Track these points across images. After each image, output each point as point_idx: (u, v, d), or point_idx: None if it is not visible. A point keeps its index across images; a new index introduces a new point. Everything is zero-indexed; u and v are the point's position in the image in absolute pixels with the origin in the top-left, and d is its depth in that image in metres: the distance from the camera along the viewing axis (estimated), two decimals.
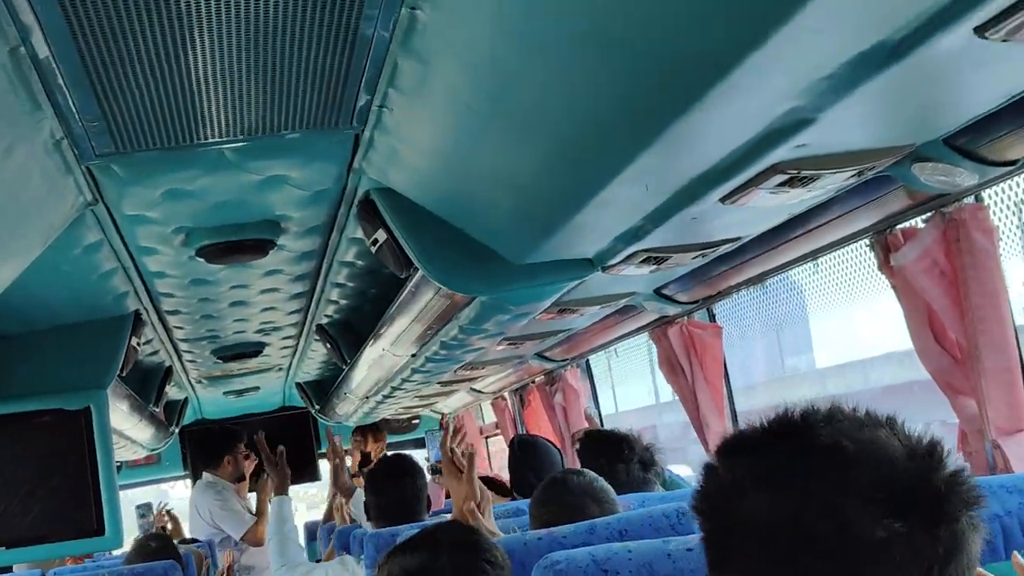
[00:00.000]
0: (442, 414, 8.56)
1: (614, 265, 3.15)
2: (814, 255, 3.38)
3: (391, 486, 4.54)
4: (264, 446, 6.00)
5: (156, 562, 4.31)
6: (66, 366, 4.13)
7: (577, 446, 4.41)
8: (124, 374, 4.56)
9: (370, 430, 8.48)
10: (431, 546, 2.47)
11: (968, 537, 1.07)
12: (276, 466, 5.76)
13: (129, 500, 10.07)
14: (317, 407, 8.14)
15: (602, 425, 6.42)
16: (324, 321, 5.31)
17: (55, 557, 5.27)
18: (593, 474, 3.33)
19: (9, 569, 5.59)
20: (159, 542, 5.28)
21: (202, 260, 3.49)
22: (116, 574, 4.16)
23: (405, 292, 3.88)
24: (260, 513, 7.91)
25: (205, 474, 8.11)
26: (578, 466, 4.14)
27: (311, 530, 8.04)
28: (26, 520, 3.85)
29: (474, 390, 7.59)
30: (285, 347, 6.13)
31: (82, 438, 3.89)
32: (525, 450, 5.49)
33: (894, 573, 1.03)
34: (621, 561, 1.90)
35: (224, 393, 7.81)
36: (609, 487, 3.29)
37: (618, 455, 4.00)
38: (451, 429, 4.46)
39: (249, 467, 8.08)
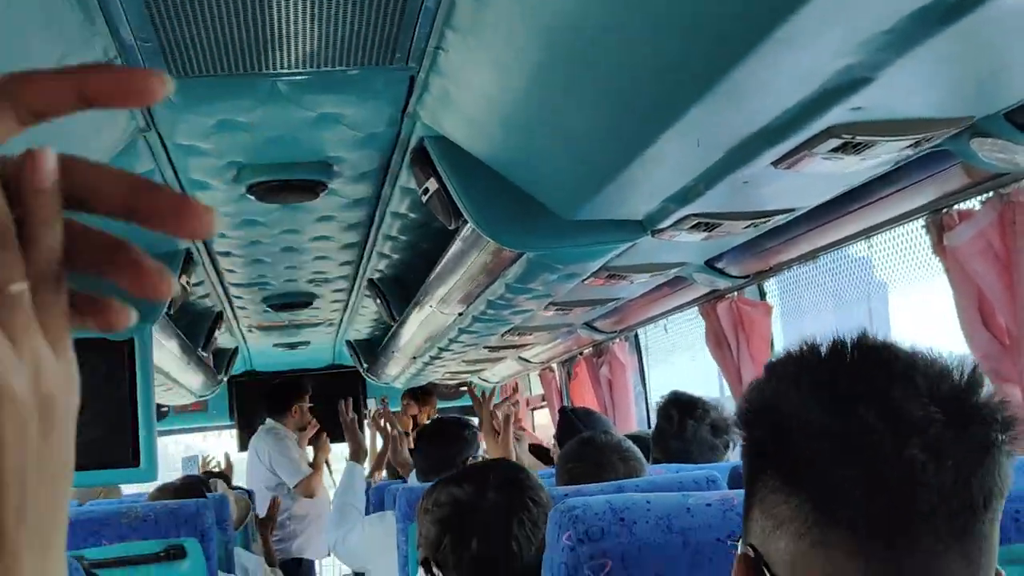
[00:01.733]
0: (469, 384, 8.56)
1: (664, 229, 3.11)
2: (868, 232, 3.32)
3: (439, 446, 4.55)
4: (344, 412, 6.00)
5: (189, 500, 4.31)
6: (116, 297, 4.15)
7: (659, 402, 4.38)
8: (172, 312, 4.59)
9: (420, 393, 8.50)
10: (480, 480, 2.48)
11: (1002, 451, 1.07)
12: (351, 431, 5.77)
13: (170, 446, 10.18)
14: (366, 366, 8.16)
15: (648, 403, 6.40)
16: (375, 275, 5.32)
17: (90, 486, 5.31)
18: (622, 436, 3.33)
19: None
20: (186, 481, 5.31)
21: (253, 198, 3.49)
22: (149, 508, 4.16)
23: (454, 246, 3.87)
24: (316, 467, 8.01)
25: (268, 420, 8.19)
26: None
27: None
28: None
29: (522, 359, 7.57)
30: (336, 300, 6.14)
31: (123, 370, 3.89)
32: (575, 418, 5.48)
33: (930, 455, 1.03)
34: (639, 511, 1.87)
35: (274, 345, 7.85)
36: (636, 449, 3.28)
37: (691, 412, 3.98)
38: (490, 393, 4.46)
39: (310, 430, 8.11)
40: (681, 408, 4.03)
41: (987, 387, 1.09)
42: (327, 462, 8.58)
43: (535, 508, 2.42)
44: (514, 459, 3.61)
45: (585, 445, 3.33)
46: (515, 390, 6.54)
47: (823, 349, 1.14)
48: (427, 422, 7.59)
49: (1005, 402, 1.09)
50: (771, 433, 1.14)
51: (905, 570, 1.04)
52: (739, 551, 1.17)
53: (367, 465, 6.33)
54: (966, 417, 1.06)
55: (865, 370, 1.09)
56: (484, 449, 5.05)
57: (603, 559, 1.85)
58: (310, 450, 8.18)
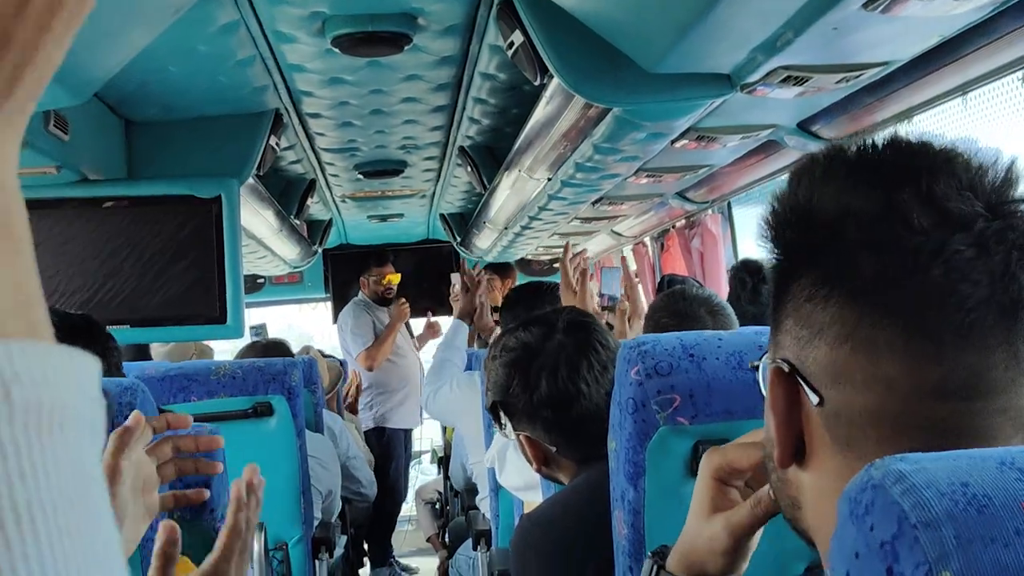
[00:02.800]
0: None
1: (753, 84, 3.04)
2: (964, 88, 3.22)
3: (526, 309, 4.57)
4: (466, 270, 6.06)
5: (277, 359, 4.37)
6: (203, 155, 4.19)
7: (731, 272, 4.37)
8: (262, 172, 4.61)
9: (500, 267, 8.52)
10: (548, 323, 2.49)
11: None
12: (473, 291, 5.81)
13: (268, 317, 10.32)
14: (459, 239, 8.18)
15: None
16: (466, 143, 5.29)
17: (178, 340, 5.41)
18: (713, 291, 3.30)
19: (147, 354, 5.76)
20: (273, 341, 5.38)
21: (338, 51, 3.47)
22: (238, 365, 4.22)
23: (540, 106, 3.83)
24: (380, 338, 8.05)
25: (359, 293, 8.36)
26: None
27: None
28: (153, 302, 3.93)
29: (615, 232, 7.54)
30: (428, 169, 6.14)
31: (211, 227, 3.95)
32: (673, 287, 5.47)
33: (976, 248, 1.00)
34: (710, 348, 1.85)
35: (368, 217, 7.89)
36: (728, 305, 3.26)
37: (763, 277, 3.95)
38: (568, 248, 4.44)
39: (400, 311, 8.19)
40: (752, 273, 3.99)
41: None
42: (410, 332, 8.66)
43: (603, 351, 2.42)
44: (589, 310, 3.61)
45: (674, 296, 3.31)
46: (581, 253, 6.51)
47: (853, 146, 1.09)
48: None
49: None
50: (805, 231, 1.09)
51: (952, 369, 1.01)
52: (770, 367, 1.13)
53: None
54: (1009, 211, 1.03)
55: (904, 163, 1.05)
56: None
57: (671, 394, 1.83)
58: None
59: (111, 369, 2.94)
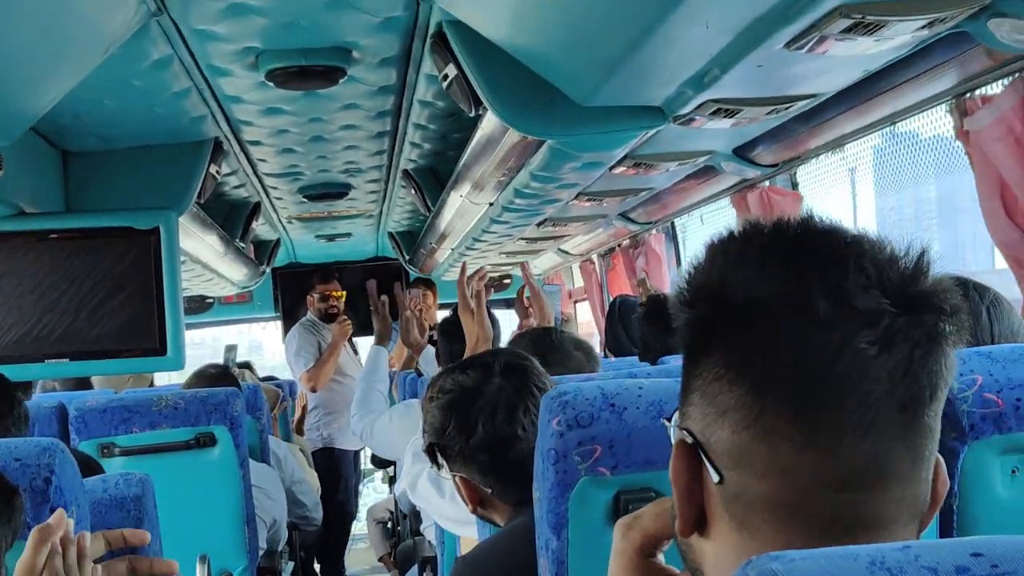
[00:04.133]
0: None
1: (685, 116, 3.07)
2: (892, 119, 3.26)
3: (461, 337, 4.57)
4: (372, 294, 6.03)
5: (219, 388, 4.35)
6: (142, 187, 4.17)
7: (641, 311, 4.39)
8: (203, 202, 4.59)
9: (430, 282, 8.53)
10: (485, 366, 2.50)
11: (949, 337, 1.06)
12: (381, 316, 5.77)
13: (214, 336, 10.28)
14: (407, 257, 8.18)
15: None
16: (409, 166, 5.29)
17: (118, 373, 5.37)
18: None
19: (88, 384, 5.72)
20: (219, 370, 5.36)
21: (272, 85, 3.46)
22: (180, 396, 4.20)
23: (477, 134, 3.84)
24: (322, 358, 8.02)
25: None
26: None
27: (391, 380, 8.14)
28: (91, 334, 3.91)
29: (562, 251, 7.56)
30: (372, 191, 6.13)
31: (150, 258, 3.93)
32: (623, 310, 5.48)
33: (879, 347, 1.02)
34: (630, 397, 1.86)
35: (316, 236, 7.88)
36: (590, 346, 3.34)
37: (669, 326, 3.98)
38: (465, 268, 4.42)
39: (341, 329, 8.14)
40: (664, 322, 4.02)
41: (933, 273, 1.07)
42: (354, 350, 8.63)
43: (540, 394, 2.42)
44: (489, 336, 3.64)
45: (544, 340, 3.35)
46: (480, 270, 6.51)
47: (767, 229, 1.10)
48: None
49: (950, 290, 1.07)
50: (717, 311, 1.10)
51: (852, 462, 1.03)
52: (676, 437, 1.14)
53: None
54: (915, 306, 1.04)
55: (815, 255, 1.06)
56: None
57: (592, 445, 1.84)
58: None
59: (18, 425, 2.93)
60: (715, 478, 1.09)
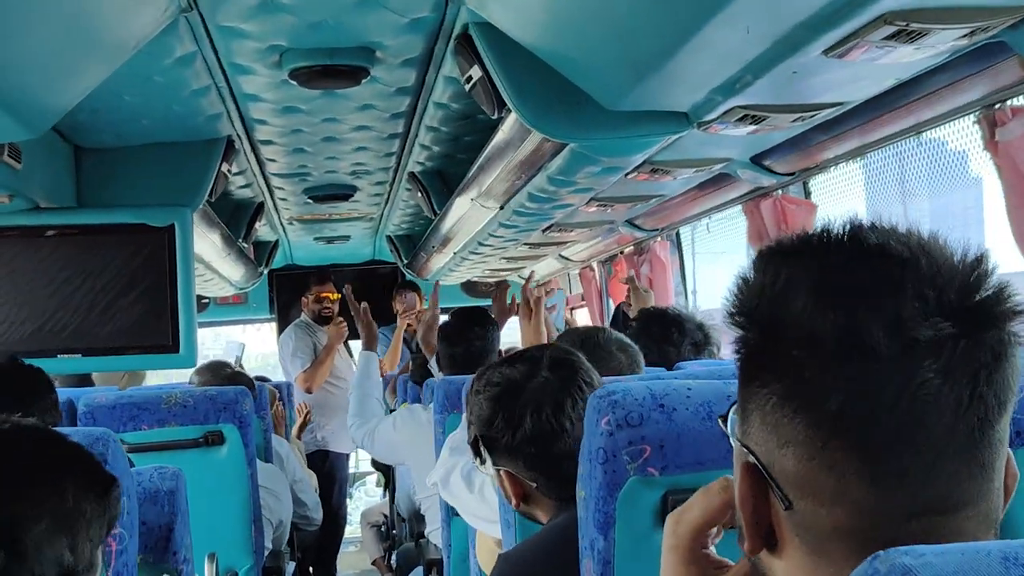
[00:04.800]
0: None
1: (710, 122, 3.07)
2: (917, 129, 3.27)
3: (464, 337, 4.57)
4: (352, 300, 6.00)
5: (228, 386, 4.34)
6: (155, 183, 4.16)
7: (633, 325, 4.40)
8: (213, 199, 4.59)
9: (414, 285, 8.52)
10: (533, 361, 2.49)
11: (1014, 347, 1.03)
12: (364, 322, 5.75)
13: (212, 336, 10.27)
14: (405, 261, 8.17)
15: (688, 300, 6.39)
16: (416, 169, 5.29)
17: (130, 370, 5.36)
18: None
19: (89, 381, 5.70)
20: (232, 369, 5.34)
21: (295, 83, 3.46)
22: (189, 393, 4.19)
23: (496, 137, 3.84)
24: (318, 360, 8.00)
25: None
26: None
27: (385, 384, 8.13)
28: (104, 331, 3.90)
29: (562, 257, 7.56)
30: (376, 194, 6.13)
31: (164, 255, 3.93)
32: (627, 319, 5.49)
33: (943, 377, 0.99)
34: (679, 398, 1.86)
35: (315, 239, 7.88)
36: (636, 349, 3.32)
37: (667, 338, 4.00)
38: (532, 277, 4.47)
39: (337, 331, 8.11)
40: (658, 335, 4.05)
41: (990, 280, 1.04)
42: (350, 353, 8.62)
43: (587, 389, 2.42)
44: (544, 339, 3.63)
45: (589, 343, 3.34)
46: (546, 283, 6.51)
47: (815, 247, 1.08)
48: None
49: (1010, 293, 1.04)
50: (766, 340, 1.08)
51: (924, 492, 1.02)
52: (742, 459, 1.12)
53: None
54: (978, 324, 1.01)
55: (870, 283, 1.02)
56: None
57: (642, 445, 1.84)
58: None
59: (52, 412, 2.93)
60: (783, 504, 1.07)
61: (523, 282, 7.19)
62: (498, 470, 2.46)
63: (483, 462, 2.48)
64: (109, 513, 1.49)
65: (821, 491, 1.04)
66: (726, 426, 1.18)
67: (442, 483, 3.37)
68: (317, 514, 6.16)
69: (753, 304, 1.09)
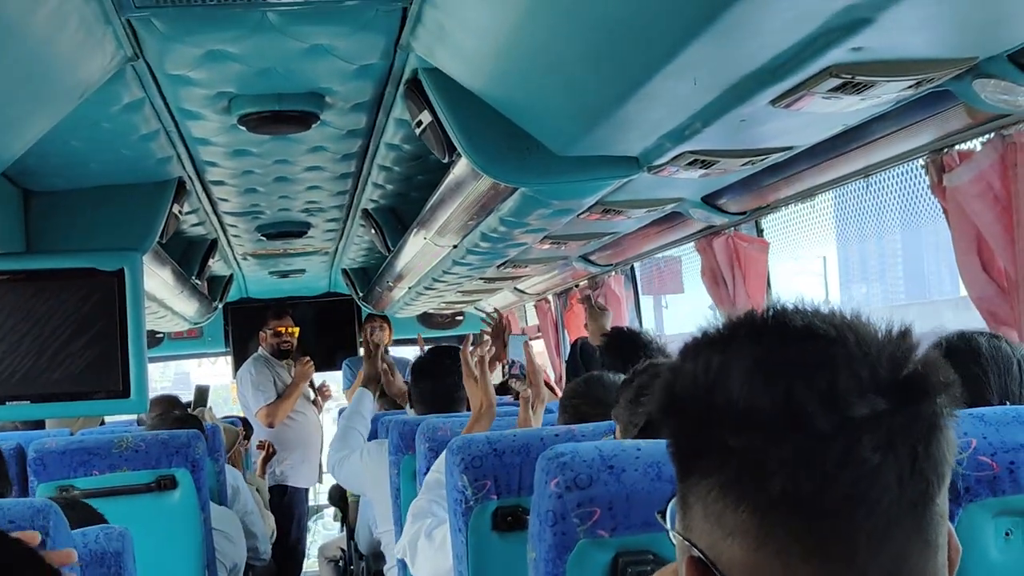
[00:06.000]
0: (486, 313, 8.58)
1: (661, 166, 3.08)
2: (866, 172, 3.28)
3: (435, 374, 4.56)
4: (367, 341, 6.04)
5: (180, 430, 4.31)
6: (104, 227, 4.12)
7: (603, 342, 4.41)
8: (165, 241, 4.56)
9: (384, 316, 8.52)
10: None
11: (947, 416, 1.05)
12: (371, 360, 5.75)
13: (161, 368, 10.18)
14: (360, 295, 8.16)
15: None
16: (370, 206, 5.28)
17: (80, 416, 5.31)
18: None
19: (42, 424, 5.64)
20: (183, 411, 5.31)
21: (244, 129, 3.44)
22: (140, 438, 4.15)
23: (448, 179, 3.83)
24: (283, 395, 7.96)
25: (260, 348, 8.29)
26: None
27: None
28: (53, 376, 3.85)
29: (518, 290, 7.57)
30: (330, 230, 6.11)
31: (114, 300, 3.88)
32: (585, 353, 5.48)
33: (882, 452, 1.00)
34: (628, 459, 1.85)
35: (270, 273, 7.84)
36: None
37: (633, 360, 4.00)
38: (470, 338, 4.47)
39: (303, 371, 8.08)
40: (627, 354, 4.03)
41: (919, 347, 1.05)
42: (314, 389, 8.58)
43: None
44: (494, 402, 3.63)
45: (592, 383, 3.31)
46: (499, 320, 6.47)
47: (744, 331, 1.08)
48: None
49: (939, 364, 1.05)
50: (703, 429, 1.07)
51: (870, 568, 1.02)
52: (686, 553, 1.10)
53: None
54: (911, 396, 1.02)
55: (802, 363, 1.03)
56: None
57: (591, 507, 1.83)
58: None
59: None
60: None
61: (479, 313, 7.22)
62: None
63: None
64: None
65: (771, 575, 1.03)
66: (665, 521, 1.17)
67: (410, 551, 3.35)
68: (265, 546, 6.12)
69: (687, 395, 1.09)
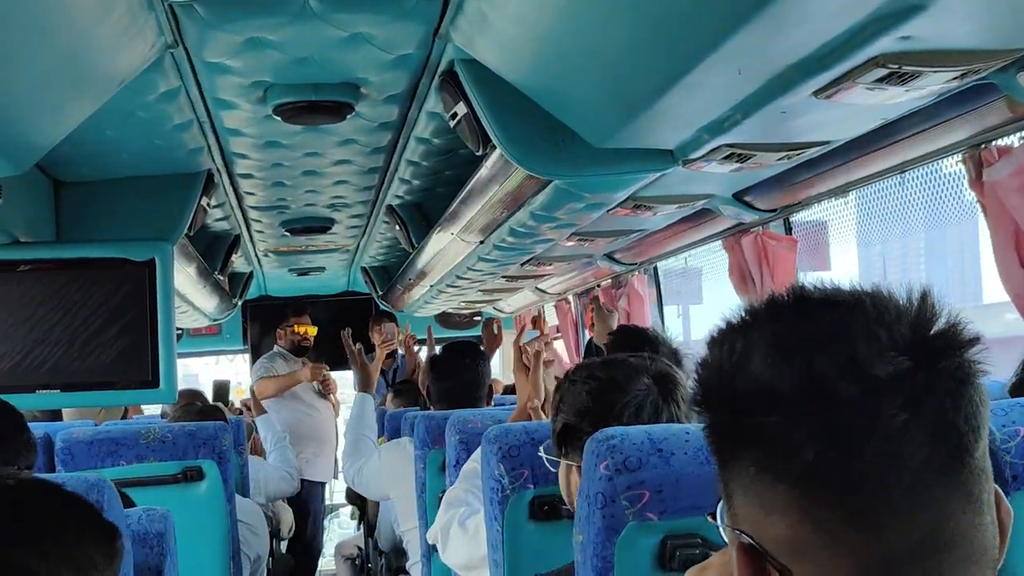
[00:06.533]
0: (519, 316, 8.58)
1: (695, 160, 3.07)
2: (902, 168, 3.28)
3: (454, 371, 4.56)
4: (348, 343, 6.00)
5: (207, 422, 4.32)
6: (135, 217, 4.14)
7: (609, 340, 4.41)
8: (192, 233, 4.57)
9: (390, 315, 8.52)
10: (637, 367, 2.44)
11: (973, 371, 1.05)
12: (358, 363, 5.72)
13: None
14: (380, 293, 8.16)
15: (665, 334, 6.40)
16: (395, 202, 5.28)
17: (110, 405, 5.33)
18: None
19: (59, 416, 5.66)
20: (206, 403, 5.32)
21: (279, 119, 3.45)
22: (168, 429, 4.16)
23: (480, 172, 3.83)
24: (279, 377, 7.99)
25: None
26: None
27: None
28: (84, 366, 3.87)
29: (539, 290, 7.57)
30: (353, 226, 6.12)
31: (144, 290, 3.90)
32: (589, 353, 5.47)
33: (909, 411, 1.00)
34: (677, 442, 1.86)
35: (289, 270, 7.86)
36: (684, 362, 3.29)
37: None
38: (524, 328, 4.46)
39: (311, 374, 8.09)
40: (632, 349, 4.04)
41: (940, 313, 1.06)
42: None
43: (683, 407, 2.39)
44: (542, 397, 3.60)
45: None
46: (540, 323, 6.50)
47: (762, 315, 1.10)
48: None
49: (962, 323, 1.06)
50: (733, 416, 1.09)
51: (914, 532, 1.02)
52: (735, 540, 1.11)
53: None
54: (934, 354, 1.03)
55: (820, 335, 1.04)
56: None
57: (640, 489, 1.83)
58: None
59: (26, 452, 2.90)
60: (781, 574, 1.06)
61: (498, 313, 7.22)
62: (569, 465, 2.43)
63: (561, 454, 2.44)
64: (116, 562, 1.48)
65: (815, 551, 1.04)
66: (717, 522, 1.17)
67: (442, 537, 3.35)
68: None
69: (713, 383, 1.11)
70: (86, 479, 1.85)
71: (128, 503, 2.82)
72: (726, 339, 1.10)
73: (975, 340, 1.05)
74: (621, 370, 2.43)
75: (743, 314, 1.11)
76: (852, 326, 1.03)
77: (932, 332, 1.03)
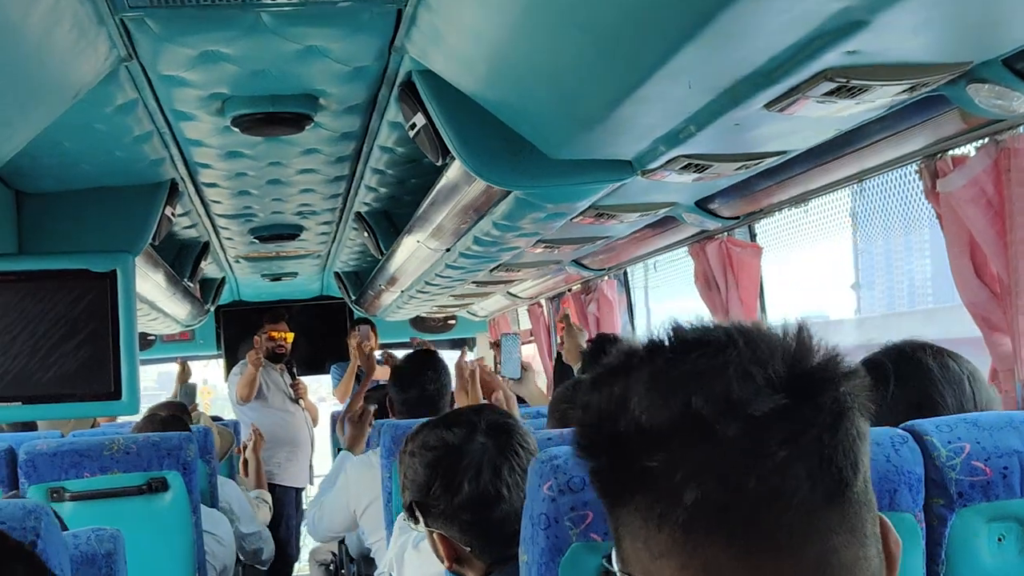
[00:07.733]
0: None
1: (654, 170, 3.08)
2: (860, 176, 3.29)
3: (416, 381, 4.57)
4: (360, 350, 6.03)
5: (172, 432, 4.30)
6: (97, 228, 4.12)
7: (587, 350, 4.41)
8: (157, 243, 4.55)
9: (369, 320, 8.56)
10: (469, 424, 2.48)
11: (851, 406, 1.04)
12: (356, 423, 5.62)
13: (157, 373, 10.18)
14: (353, 298, 8.16)
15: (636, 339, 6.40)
16: (363, 209, 5.27)
17: (72, 417, 5.30)
18: None
19: (34, 426, 5.63)
20: (169, 411, 5.30)
21: (237, 130, 3.44)
22: (132, 440, 4.15)
23: (441, 182, 3.83)
24: (243, 376, 8.06)
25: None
26: None
27: (336, 419, 8.14)
28: (45, 378, 3.84)
29: (510, 294, 7.57)
30: (323, 233, 6.11)
31: (106, 301, 3.87)
32: (560, 368, 5.47)
33: (787, 446, 0.99)
34: None
35: (262, 275, 7.85)
36: None
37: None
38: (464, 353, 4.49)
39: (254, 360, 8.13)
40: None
41: (817, 346, 1.05)
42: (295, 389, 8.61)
43: (524, 453, 2.42)
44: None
45: (578, 388, 3.32)
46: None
47: (639, 358, 1.08)
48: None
49: (838, 357, 1.05)
50: (615, 460, 1.07)
51: (800, 565, 1.01)
52: None
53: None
54: (811, 389, 1.02)
55: (695, 375, 1.03)
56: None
57: (584, 510, 1.83)
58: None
59: None
60: None
61: (472, 317, 7.21)
62: (431, 532, 2.45)
63: (416, 522, 2.47)
64: None
65: None
66: (611, 566, 1.16)
67: (396, 563, 3.35)
68: (268, 546, 6.05)
69: (595, 428, 1.09)
70: (23, 506, 1.83)
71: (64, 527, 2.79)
72: (606, 382, 1.09)
73: (852, 373, 1.05)
74: (453, 433, 2.46)
75: (622, 357, 1.10)
76: (727, 364, 1.02)
77: (809, 367, 1.03)
